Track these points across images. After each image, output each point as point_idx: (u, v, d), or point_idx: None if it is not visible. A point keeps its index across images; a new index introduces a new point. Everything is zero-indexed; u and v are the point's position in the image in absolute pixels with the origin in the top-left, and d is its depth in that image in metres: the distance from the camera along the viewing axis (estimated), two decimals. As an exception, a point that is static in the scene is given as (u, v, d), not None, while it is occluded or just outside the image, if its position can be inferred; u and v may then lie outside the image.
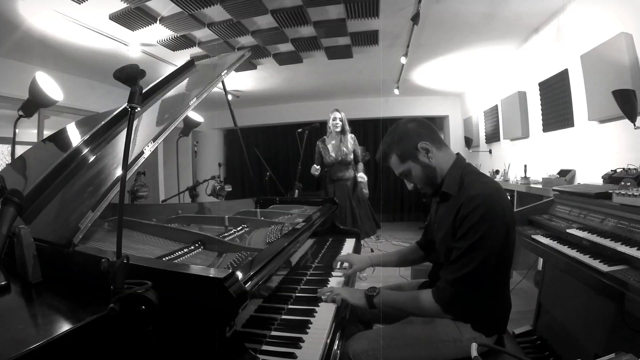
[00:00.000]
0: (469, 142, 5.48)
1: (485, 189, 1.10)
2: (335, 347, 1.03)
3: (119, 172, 1.05)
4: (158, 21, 3.17)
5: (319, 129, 3.57)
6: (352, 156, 3.53)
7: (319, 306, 1.20)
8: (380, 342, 1.15)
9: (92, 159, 1.29)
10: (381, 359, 1.12)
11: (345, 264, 1.58)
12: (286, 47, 4.03)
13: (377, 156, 1.29)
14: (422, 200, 6.31)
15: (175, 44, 3.72)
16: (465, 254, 1.07)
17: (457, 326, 1.15)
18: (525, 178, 3.29)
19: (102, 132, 1.38)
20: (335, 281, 1.47)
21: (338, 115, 3.50)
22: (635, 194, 1.44)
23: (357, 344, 1.16)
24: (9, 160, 2.91)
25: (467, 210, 1.07)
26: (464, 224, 1.07)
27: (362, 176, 3.57)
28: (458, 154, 1.26)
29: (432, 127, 1.26)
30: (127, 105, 0.80)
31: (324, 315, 1.15)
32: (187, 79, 1.75)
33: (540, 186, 2.84)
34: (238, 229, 1.70)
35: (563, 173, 2.84)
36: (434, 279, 1.28)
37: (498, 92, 4.47)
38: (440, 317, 1.14)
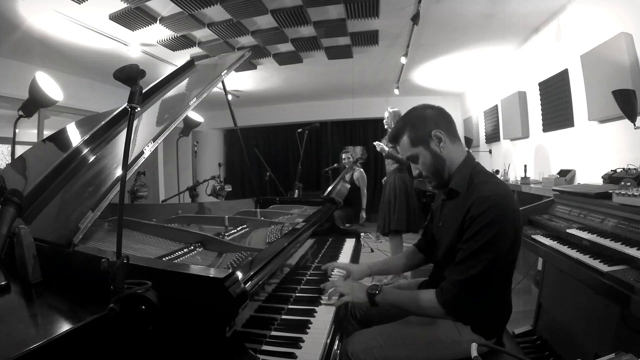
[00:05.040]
0: (469, 142, 5.48)
1: (498, 191, 1.07)
2: (335, 347, 1.03)
3: (119, 172, 1.05)
4: (158, 21, 3.17)
5: (319, 129, 3.58)
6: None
7: (318, 306, 1.20)
8: (379, 341, 1.14)
9: (92, 159, 1.29)
10: (379, 358, 1.12)
11: (343, 272, 1.51)
12: (286, 47, 4.03)
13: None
14: (422, 200, 6.30)
15: (175, 44, 3.72)
16: (473, 256, 1.04)
17: (457, 327, 1.14)
18: (525, 178, 3.29)
19: (102, 132, 1.38)
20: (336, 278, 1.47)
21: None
22: (635, 194, 1.44)
23: (355, 343, 1.15)
24: (9, 160, 2.91)
25: (477, 212, 1.04)
26: (474, 225, 1.05)
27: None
28: (469, 151, 1.24)
29: (450, 118, 1.23)
30: (127, 105, 0.80)
31: (324, 315, 1.15)
32: (187, 79, 1.75)
33: (540, 186, 2.85)
34: (238, 228, 1.70)
35: (563, 173, 2.84)
36: (434, 279, 1.26)
37: (498, 92, 4.47)
38: (442, 318, 1.13)
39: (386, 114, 3.48)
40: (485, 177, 1.14)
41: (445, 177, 1.21)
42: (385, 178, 3.69)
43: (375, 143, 3.46)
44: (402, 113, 3.38)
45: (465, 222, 1.08)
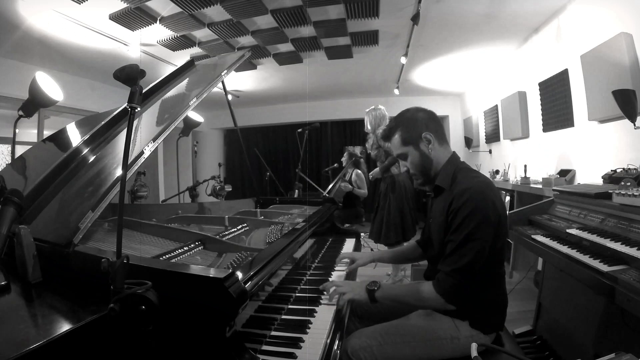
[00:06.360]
0: (469, 142, 5.48)
1: (476, 183, 1.14)
2: (335, 347, 1.03)
3: (119, 172, 1.05)
4: (158, 21, 3.17)
5: (319, 129, 3.56)
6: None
7: (319, 306, 1.20)
8: (378, 339, 1.15)
9: (92, 159, 1.29)
10: (378, 356, 1.12)
11: (348, 260, 1.63)
12: (286, 47, 4.03)
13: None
14: (422, 200, 6.31)
15: (175, 44, 3.72)
16: (461, 246, 1.09)
17: (455, 324, 1.16)
18: (525, 178, 3.28)
19: (102, 132, 1.38)
20: (336, 277, 1.48)
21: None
22: (635, 194, 1.44)
23: (355, 341, 1.16)
24: (9, 160, 2.91)
25: (458, 203, 1.11)
26: (457, 216, 1.11)
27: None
28: (454, 152, 1.31)
29: (440, 122, 1.32)
30: (127, 105, 0.80)
31: (324, 315, 1.15)
32: (187, 79, 1.75)
33: (540, 186, 2.84)
34: (238, 228, 1.70)
35: (563, 173, 2.84)
36: (430, 276, 1.28)
37: (498, 92, 4.48)
38: (443, 308, 1.14)
39: (367, 118, 3.14)
40: (467, 173, 1.21)
41: (431, 176, 1.28)
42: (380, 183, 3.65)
43: (369, 175, 3.46)
44: (383, 111, 3.24)
45: (449, 215, 1.14)
